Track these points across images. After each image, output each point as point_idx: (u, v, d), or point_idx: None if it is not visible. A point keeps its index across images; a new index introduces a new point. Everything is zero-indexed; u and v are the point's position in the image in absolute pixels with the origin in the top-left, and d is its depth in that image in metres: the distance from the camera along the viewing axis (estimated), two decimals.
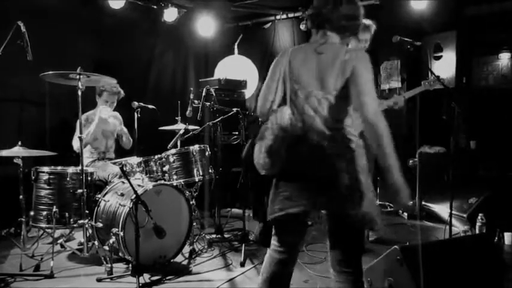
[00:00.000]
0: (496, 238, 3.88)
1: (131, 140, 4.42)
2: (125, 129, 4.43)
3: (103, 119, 4.12)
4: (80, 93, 3.42)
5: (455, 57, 5.12)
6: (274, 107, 2.20)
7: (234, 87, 5.60)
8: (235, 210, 5.23)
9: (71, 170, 3.56)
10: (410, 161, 5.13)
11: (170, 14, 5.42)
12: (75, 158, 3.92)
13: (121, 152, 4.48)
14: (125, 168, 3.85)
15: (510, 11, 5.20)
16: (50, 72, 3.32)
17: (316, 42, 2.15)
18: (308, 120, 2.04)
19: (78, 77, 3.38)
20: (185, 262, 3.63)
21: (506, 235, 4.02)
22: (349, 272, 2.09)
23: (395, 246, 2.54)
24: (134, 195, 3.13)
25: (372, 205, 2.05)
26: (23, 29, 3.06)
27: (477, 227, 4.06)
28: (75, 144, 4.08)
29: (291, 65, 2.13)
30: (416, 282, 2.41)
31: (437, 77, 3.63)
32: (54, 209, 3.43)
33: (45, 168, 3.54)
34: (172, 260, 3.57)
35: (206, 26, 5.81)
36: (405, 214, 5.26)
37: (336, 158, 1.99)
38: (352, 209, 1.98)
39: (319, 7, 2.15)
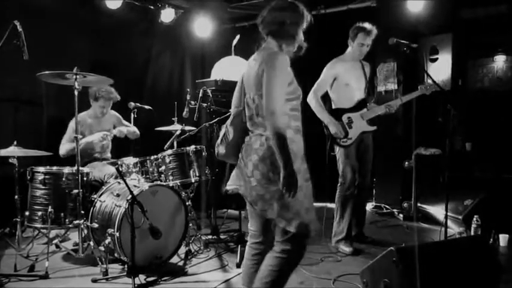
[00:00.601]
0: (491, 240, 3.91)
1: (134, 130, 4.41)
2: (124, 129, 4.38)
3: (95, 141, 4.18)
4: (76, 93, 3.40)
5: (451, 60, 5.14)
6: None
7: (230, 88, 5.52)
8: (232, 211, 5.22)
9: (66, 170, 3.55)
10: (406, 163, 5.15)
11: (167, 15, 5.42)
12: (71, 158, 3.89)
13: (117, 152, 4.47)
14: (120, 169, 3.85)
15: (505, 14, 5.23)
16: (46, 72, 3.31)
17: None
18: (245, 119, 2.38)
19: (74, 77, 3.37)
20: (181, 263, 3.62)
21: (501, 237, 4.04)
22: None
23: (391, 248, 2.55)
24: (130, 196, 3.13)
25: (284, 207, 2.21)
26: (20, 28, 3.05)
27: (472, 229, 4.07)
28: (62, 149, 4.09)
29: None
30: (412, 283, 2.42)
31: (433, 80, 3.65)
32: (49, 209, 3.41)
33: (41, 168, 3.53)
34: (168, 261, 3.56)
35: (203, 26, 5.81)
36: (401, 216, 5.28)
37: (251, 151, 2.26)
38: (254, 201, 2.30)
39: (261, 14, 2.37)
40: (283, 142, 2.11)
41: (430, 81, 3.96)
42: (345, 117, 3.99)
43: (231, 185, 2.49)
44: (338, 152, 4.04)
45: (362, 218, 4.26)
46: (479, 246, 2.92)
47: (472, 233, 4.06)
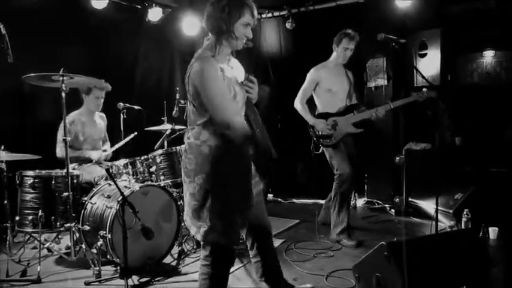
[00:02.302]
0: (481, 233, 3.94)
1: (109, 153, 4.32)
2: (110, 152, 4.33)
3: (93, 157, 4.15)
4: (63, 95, 3.38)
5: (440, 55, 5.17)
6: None
7: None
8: None
9: (56, 173, 3.52)
10: (397, 158, 5.17)
11: (155, 14, 5.38)
12: (61, 161, 3.86)
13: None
14: (111, 170, 3.83)
15: (493, 9, 5.26)
16: (32, 74, 3.28)
17: None
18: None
19: (61, 78, 3.34)
20: (174, 263, 3.62)
21: (491, 230, 4.08)
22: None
23: (382, 242, 2.56)
24: (121, 197, 3.11)
25: (194, 214, 2.25)
26: (3, 31, 3.00)
27: (463, 222, 4.11)
28: (59, 152, 4.04)
29: None
30: (403, 277, 2.43)
31: (422, 75, 3.67)
32: (40, 213, 3.38)
33: (30, 172, 3.49)
34: (161, 261, 3.55)
35: (191, 25, 5.78)
36: (392, 210, 5.31)
37: (186, 158, 2.27)
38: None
39: None
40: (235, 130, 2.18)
41: (424, 89, 4.01)
42: (330, 120, 4.10)
43: None
44: (328, 151, 4.15)
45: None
46: (469, 240, 2.94)
47: (463, 227, 4.10)
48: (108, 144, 4.47)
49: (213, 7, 2.27)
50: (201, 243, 2.32)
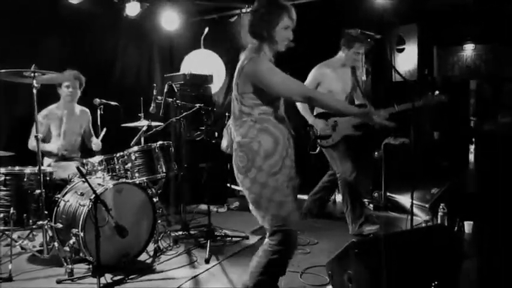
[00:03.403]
0: (456, 227, 3.99)
1: (100, 145, 4.25)
2: (99, 143, 4.25)
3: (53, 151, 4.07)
4: (35, 91, 3.32)
5: (417, 50, 5.20)
6: None
7: (200, 81, 5.55)
8: (203, 206, 5.19)
9: (28, 170, 3.46)
10: (376, 153, 5.20)
11: (132, 8, 5.29)
12: (35, 158, 3.80)
13: (87, 150, 4.38)
14: (86, 167, 3.79)
15: (471, 4, 5.29)
16: (2, 70, 3.22)
17: None
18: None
19: (32, 75, 3.28)
20: (149, 260, 3.59)
21: (466, 224, 4.12)
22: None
23: (353, 240, 2.57)
24: (93, 195, 3.07)
25: (255, 205, 2.41)
26: None
27: (439, 217, 4.15)
28: (30, 144, 3.98)
29: None
30: (373, 274, 2.45)
31: (397, 71, 3.69)
32: (11, 211, 3.32)
33: (1, 169, 3.41)
34: (136, 259, 3.52)
35: (170, 20, 5.72)
36: (371, 205, 5.34)
37: (237, 156, 2.42)
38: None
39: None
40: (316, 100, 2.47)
41: (437, 92, 3.84)
42: (330, 120, 4.09)
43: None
44: (328, 151, 4.20)
45: None
46: (442, 235, 2.97)
47: (439, 221, 4.14)
48: (94, 138, 4.37)
49: (253, 16, 2.43)
50: (268, 231, 2.43)
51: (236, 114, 2.43)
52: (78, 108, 4.30)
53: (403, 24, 5.32)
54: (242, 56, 2.44)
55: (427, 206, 4.47)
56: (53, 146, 4.07)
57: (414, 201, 4.31)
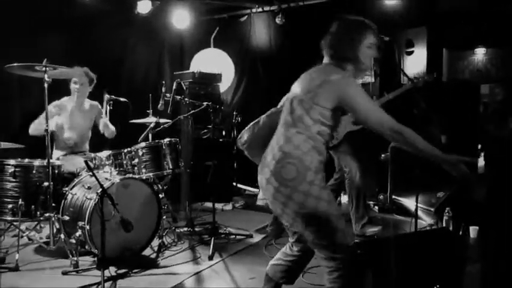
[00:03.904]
0: (461, 232, 3.98)
1: (113, 130, 4.25)
2: (110, 126, 4.24)
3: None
4: (46, 85, 3.37)
5: (426, 52, 5.19)
6: None
7: (208, 80, 5.60)
8: (208, 204, 5.22)
9: (37, 162, 3.53)
10: (382, 155, 5.20)
11: (144, 6, 5.35)
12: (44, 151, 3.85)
13: (93, 145, 4.43)
14: (93, 162, 3.83)
15: (478, 7, 5.26)
16: (15, 64, 3.27)
17: None
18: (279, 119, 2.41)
19: (44, 69, 3.33)
20: (154, 255, 3.63)
21: (471, 229, 4.11)
22: None
23: (356, 240, 2.58)
24: (100, 189, 3.12)
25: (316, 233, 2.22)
26: None
27: (444, 221, 4.14)
28: (33, 128, 3.98)
29: None
30: (374, 276, 2.46)
31: (406, 74, 3.70)
32: (20, 202, 3.39)
33: (11, 161, 3.49)
34: (140, 253, 3.57)
35: (181, 18, 5.77)
36: (376, 208, 5.34)
37: (283, 168, 2.23)
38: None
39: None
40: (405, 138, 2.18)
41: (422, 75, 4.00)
42: None
43: (261, 199, 2.57)
44: (336, 151, 4.25)
45: None
46: (445, 239, 2.97)
47: (444, 225, 4.13)
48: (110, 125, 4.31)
49: (334, 37, 2.33)
50: (326, 256, 2.29)
51: (290, 122, 2.26)
52: (87, 102, 4.35)
53: (412, 27, 5.31)
54: (319, 71, 2.32)
55: (432, 209, 4.45)
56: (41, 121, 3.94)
57: (419, 205, 4.32)
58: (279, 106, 2.51)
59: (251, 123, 2.51)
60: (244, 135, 2.49)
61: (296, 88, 2.34)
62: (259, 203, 4.80)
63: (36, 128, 3.95)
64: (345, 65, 2.29)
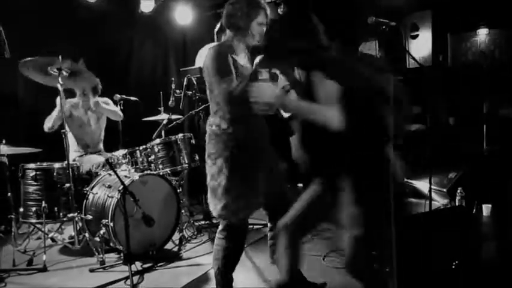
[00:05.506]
0: (474, 210, 4.04)
1: (116, 111, 4.25)
2: (106, 106, 4.24)
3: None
4: (60, 80, 3.44)
5: (431, 36, 5.21)
6: None
7: None
8: None
9: (57, 165, 3.60)
10: None
11: (147, 5, 5.39)
12: (62, 154, 3.91)
13: (107, 144, 4.49)
14: (110, 161, 3.89)
15: None
16: (29, 58, 3.34)
17: None
18: None
19: (57, 72, 3.40)
20: (176, 249, 3.72)
21: (484, 207, 4.18)
22: None
23: None
24: (121, 186, 3.19)
25: (211, 192, 2.53)
26: None
27: (457, 200, 4.20)
28: (47, 123, 4.03)
29: None
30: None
31: (413, 57, 3.72)
32: (43, 205, 3.47)
33: (32, 165, 3.57)
34: (162, 248, 3.65)
35: (184, 14, 5.80)
36: None
37: (209, 143, 2.59)
38: None
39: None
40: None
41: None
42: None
43: None
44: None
45: None
46: (461, 216, 3.03)
47: (457, 205, 4.19)
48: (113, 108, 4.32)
49: (232, 6, 2.53)
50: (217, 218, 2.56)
51: (211, 104, 2.61)
52: (92, 101, 4.37)
53: (417, 11, 5.33)
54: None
55: (444, 190, 4.51)
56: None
57: (432, 186, 4.38)
58: None
59: None
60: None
61: None
62: None
63: (51, 120, 3.99)
64: (237, 36, 2.52)
